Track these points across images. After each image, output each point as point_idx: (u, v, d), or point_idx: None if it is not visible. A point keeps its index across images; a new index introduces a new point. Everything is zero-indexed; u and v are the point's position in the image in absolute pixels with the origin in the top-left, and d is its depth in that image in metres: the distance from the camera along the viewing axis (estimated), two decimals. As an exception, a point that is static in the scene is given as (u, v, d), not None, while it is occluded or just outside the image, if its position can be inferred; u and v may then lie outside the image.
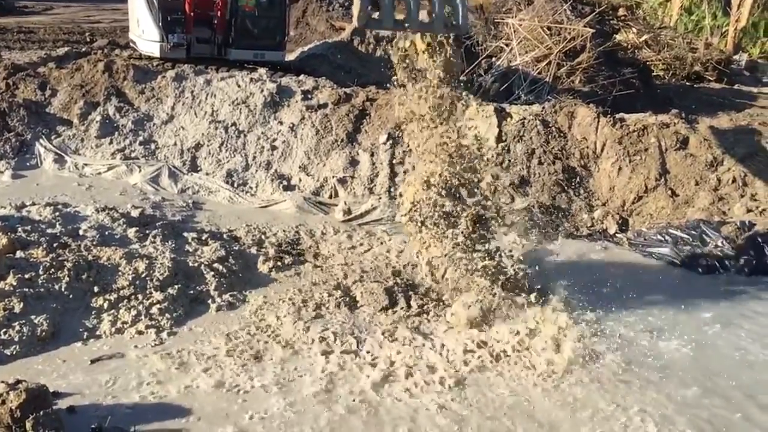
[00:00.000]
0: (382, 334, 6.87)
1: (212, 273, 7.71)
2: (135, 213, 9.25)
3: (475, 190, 7.29)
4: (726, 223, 9.32)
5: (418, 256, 7.59)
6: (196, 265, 7.88)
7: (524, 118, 10.87)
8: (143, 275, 7.40)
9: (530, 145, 10.62)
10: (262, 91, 11.83)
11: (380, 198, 10.12)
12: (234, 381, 5.97)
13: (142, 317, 6.80)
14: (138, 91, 12.04)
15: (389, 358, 6.46)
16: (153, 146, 11.30)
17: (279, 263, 8.26)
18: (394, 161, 10.58)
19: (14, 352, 6.11)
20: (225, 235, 8.97)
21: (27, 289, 6.81)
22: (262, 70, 12.53)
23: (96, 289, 7.09)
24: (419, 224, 7.18)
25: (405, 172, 9.95)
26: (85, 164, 10.95)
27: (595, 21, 15.17)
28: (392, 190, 10.13)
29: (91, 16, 22.77)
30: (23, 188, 10.05)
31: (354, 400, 5.81)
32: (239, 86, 11.99)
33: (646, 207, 10.06)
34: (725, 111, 14.19)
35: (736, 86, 18.94)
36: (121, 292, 7.11)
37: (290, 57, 15.18)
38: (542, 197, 10.14)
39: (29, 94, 11.92)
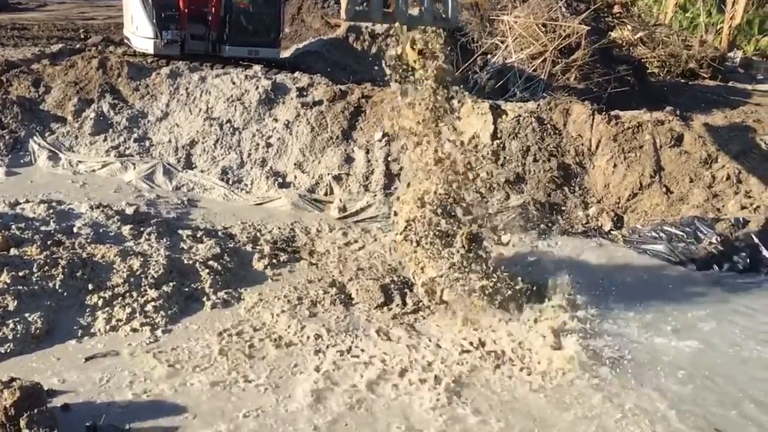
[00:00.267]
0: (378, 331, 6.87)
1: (207, 270, 7.69)
2: (129, 210, 9.22)
3: (471, 207, 7.20)
4: (720, 219, 9.35)
5: (413, 277, 7.46)
6: (191, 262, 7.86)
7: (519, 116, 10.87)
8: (138, 273, 7.38)
9: (525, 143, 10.62)
10: (257, 88, 11.81)
11: (375, 195, 10.11)
12: (228, 379, 5.96)
13: (137, 315, 6.78)
14: (132, 88, 12.01)
15: (384, 356, 6.45)
16: (147, 143, 11.28)
17: (274, 261, 8.24)
18: (389, 158, 10.57)
19: (8, 350, 6.08)
20: (220, 233, 8.95)
21: (21, 287, 6.79)
22: (257, 67, 12.51)
23: (90, 286, 7.06)
24: (415, 244, 7.12)
25: (401, 170, 9.92)
26: (80, 161, 10.91)
27: (590, 18, 15.19)
28: (387, 187, 10.13)
29: (85, 12, 22.69)
30: (17, 185, 10.02)
31: (349, 398, 5.80)
32: (234, 83, 11.97)
33: (640, 204, 10.08)
34: (720, 108, 14.23)
35: (730, 83, 19.00)
36: (116, 289, 7.09)
37: (285, 54, 15.16)
38: (537, 194, 10.15)
39: (23, 91, 11.87)
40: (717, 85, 18.53)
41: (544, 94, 13.20)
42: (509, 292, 7.05)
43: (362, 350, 6.54)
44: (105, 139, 11.25)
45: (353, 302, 7.46)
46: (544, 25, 14.83)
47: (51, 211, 8.95)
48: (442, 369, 6.30)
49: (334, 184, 10.46)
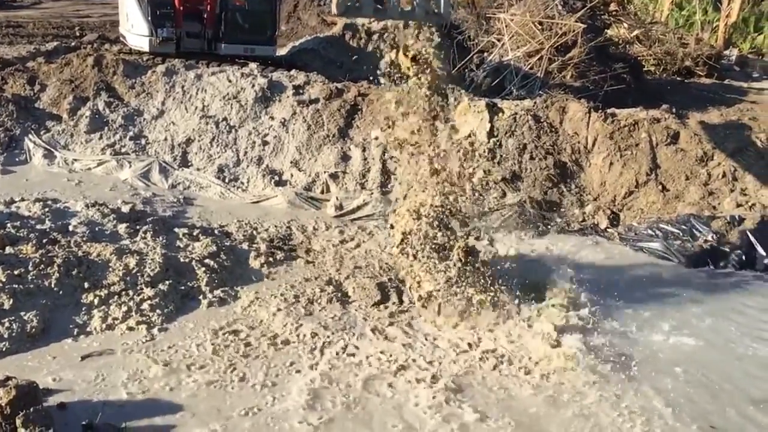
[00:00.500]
0: (374, 330, 6.87)
1: (203, 269, 7.68)
2: (125, 208, 9.20)
3: (467, 220, 7.17)
4: (716, 217, 9.37)
5: (410, 291, 7.43)
6: (187, 260, 7.84)
7: (516, 113, 10.88)
8: (134, 271, 7.36)
9: (522, 140, 10.62)
10: (253, 86, 11.79)
11: (372, 193, 10.10)
12: (224, 377, 5.95)
13: (133, 313, 6.77)
14: (128, 86, 11.97)
15: (381, 354, 6.45)
16: (143, 141, 11.24)
17: (271, 259, 8.23)
18: (385, 156, 10.56)
19: (4, 349, 6.06)
20: (216, 231, 8.94)
21: (16, 285, 6.77)
22: (253, 65, 12.49)
23: (86, 285, 7.04)
24: (411, 257, 7.09)
25: (395, 169, 9.92)
26: (75, 159, 10.88)
27: (587, 16, 15.20)
28: (384, 185, 10.13)
29: (81, 10, 22.60)
30: (12, 184, 9.98)
31: (345, 397, 5.80)
32: (230, 81, 11.94)
33: (636, 202, 10.10)
34: (716, 106, 14.27)
35: (726, 81, 19.04)
36: (112, 288, 7.07)
37: (281, 52, 15.12)
38: (534, 192, 10.16)
39: (18, 89, 11.83)
40: (713, 83, 18.56)
41: (540, 92, 13.21)
42: (507, 303, 7.05)
43: (359, 349, 6.53)
44: (100, 137, 11.22)
45: (350, 300, 7.45)
46: (541, 23, 14.83)
47: (46, 209, 8.92)
48: (439, 367, 6.30)
49: (331, 182, 10.45)
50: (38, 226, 8.36)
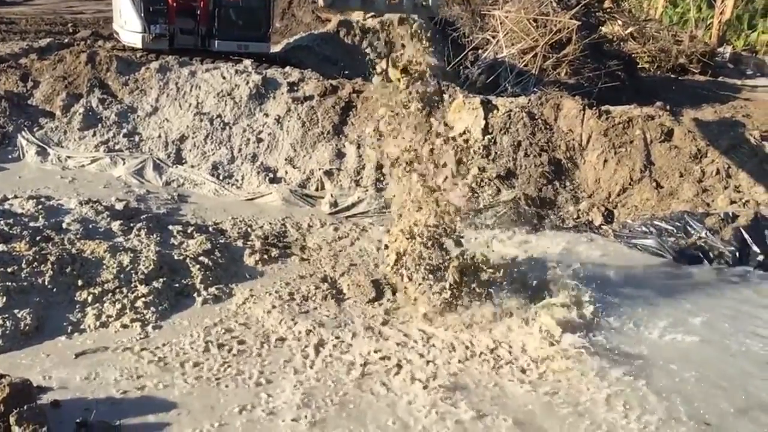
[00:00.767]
0: (369, 327, 6.86)
1: (198, 266, 7.66)
2: (119, 206, 9.17)
3: (461, 239, 7.16)
4: (710, 214, 9.40)
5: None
6: (181, 258, 7.82)
7: (510, 110, 10.88)
8: (128, 269, 7.34)
9: (516, 138, 10.63)
10: (248, 82, 11.76)
11: (367, 190, 10.09)
12: (219, 375, 5.94)
13: (127, 311, 6.74)
14: (121, 82, 11.93)
15: (375, 352, 6.44)
16: (137, 138, 11.21)
17: (265, 256, 8.22)
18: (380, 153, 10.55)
19: (-3, 347, 6.05)
20: (211, 228, 8.92)
21: (10, 283, 6.74)
22: (247, 62, 12.46)
23: (80, 282, 7.02)
24: (406, 279, 7.10)
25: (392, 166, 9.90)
26: (68, 157, 10.83)
27: (581, 13, 15.23)
28: (379, 182, 10.12)
29: (74, 6, 22.49)
30: (5, 181, 9.93)
31: (339, 395, 5.80)
32: (224, 78, 11.91)
33: (631, 199, 10.13)
34: (709, 103, 14.34)
35: (720, 78, 19.11)
36: (106, 285, 7.05)
37: (276, 48, 15.10)
38: (528, 189, 10.17)
39: (11, 86, 11.77)
40: (707, 80, 18.64)
41: (535, 89, 13.24)
42: (503, 301, 7.07)
43: (353, 346, 6.53)
44: (94, 134, 11.17)
45: (345, 297, 7.45)
46: (535, 20, 14.86)
47: (40, 206, 8.88)
48: (435, 365, 6.30)
49: (326, 180, 10.44)
50: (31, 224, 8.32)
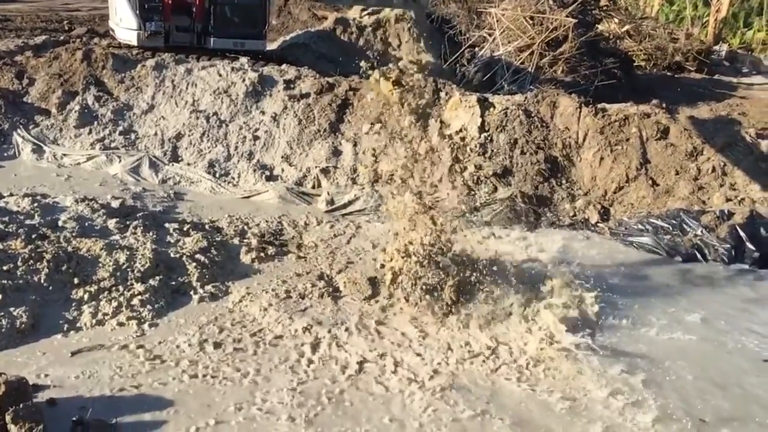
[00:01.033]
0: (365, 325, 6.86)
1: (194, 264, 7.65)
2: (115, 204, 9.15)
3: (456, 256, 7.15)
4: (705, 212, 9.42)
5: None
6: (177, 256, 7.82)
7: (507, 108, 10.88)
8: (124, 267, 7.33)
9: (513, 135, 10.63)
10: (244, 80, 11.73)
11: (363, 188, 10.08)
12: (215, 372, 5.94)
13: (123, 309, 6.74)
14: (117, 80, 11.90)
15: (371, 350, 6.45)
16: (133, 136, 11.18)
17: (262, 254, 8.21)
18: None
19: (-7, 345, 6.04)
20: (207, 226, 8.91)
21: (6, 281, 6.73)
22: (243, 60, 12.44)
23: (76, 280, 7.01)
24: (403, 300, 7.10)
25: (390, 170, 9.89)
26: (64, 154, 10.81)
27: (578, 11, 15.24)
28: (375, 180, 10.11)
29: (69, 4, 22.41)
30: (1, 179, 9.90)
31: (334, 392, 5.80)
32: (220, 75, 11.89)
33: (627, 196, 10.14)
34: (705, 101, 14.36)
35: (716, 76, 19.15)
36: (102, 283, 7.04)
37: (272, 46, 15.07)
38: (525, 187, 10.17)
39: (6, 83, 11.73)
40: (703, 78, 18.67)
41: (531, 87, 13.24)
42: (501, 300, 7.08)
43: (349, 344, 6.53)
44: (90, 132, 11.14)
45: (341, 295, 7.45)
46: (532, 18, 14.85)
47: (35, 204, 8.86)
48: (432, 364, 6.30)
49: (322, 177, 10.43)
50: (27, 222, 8.30)
